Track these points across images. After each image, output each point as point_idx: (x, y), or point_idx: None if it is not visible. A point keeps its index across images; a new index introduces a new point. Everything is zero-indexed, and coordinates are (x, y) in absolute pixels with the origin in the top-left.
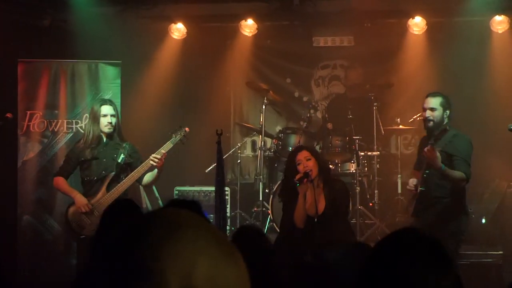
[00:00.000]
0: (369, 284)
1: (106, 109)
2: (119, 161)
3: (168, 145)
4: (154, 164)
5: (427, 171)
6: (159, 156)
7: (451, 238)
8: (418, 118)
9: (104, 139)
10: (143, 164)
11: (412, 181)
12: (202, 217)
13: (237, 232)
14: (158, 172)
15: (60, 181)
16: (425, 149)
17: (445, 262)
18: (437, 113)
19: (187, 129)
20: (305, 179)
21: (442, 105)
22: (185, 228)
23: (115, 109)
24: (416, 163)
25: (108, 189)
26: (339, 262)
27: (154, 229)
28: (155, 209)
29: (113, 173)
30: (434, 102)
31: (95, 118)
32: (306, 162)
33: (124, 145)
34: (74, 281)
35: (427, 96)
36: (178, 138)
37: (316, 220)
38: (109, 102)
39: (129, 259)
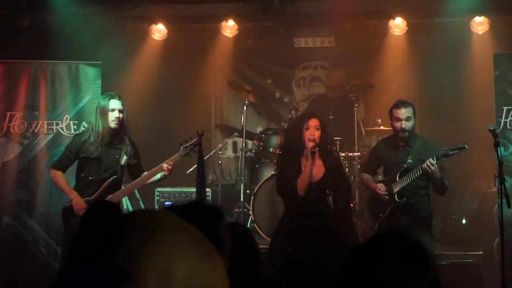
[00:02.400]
0: (348, 286)
1: (114, 103)
2: (122, 163)
3: (175, 157)
4: (164, 171)
5: (407, 182)
6: (169, 166)
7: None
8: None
9: (109, 137)
10: (155, 168)
11: (382, 187)
12: (179, 217)
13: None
14: (162, 177)
15: (58, 175)
16: (428, 166)
17: (423, 264)
18: (412, 123)
19: (195, 140)
20: (317, 148)
21: (413, 114)
22: (162, 229)
23: (123, 104)
24: (371, 167)
25: (109, 191)
26: (333, 263)
27: (132, 231)
28: (133, 211)
29: (115, 176)
30: (408, 112)
31: (103, 112)
32: (314, 130)
33: (127, 143)
34: (53, 282)
35: (399, 106)
36: (187, 152)
37: (314, 185)
38: (118, 96)
39: (108, 262)
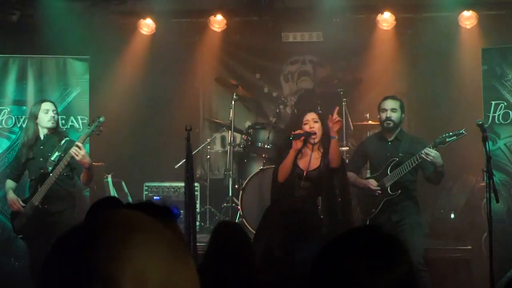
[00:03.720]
0: (315, 279)
1: (47, 105)
2: (52, 159)
3: (82, 137)
4: (76, 157)
5: (401, 175)
6: (76, 148)
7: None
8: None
9: (42, 138)
10: (65, 156)
11: (374, 182)
12: (154, 219)
13: (217, 229)
14: (85, 168)
15: (6, 184)
16: (427, 154)
17: (392, 259)
18: (397, 115)
19: (101, 118)
20: (302, 137)
21: (400, 107)
22: (137, 231)
23: (55, 106)
24: (356, 165)
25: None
26: (308, 261)
27: (108, 233)
28: (108, 211)
29: (46, 171)
30: (394, 104)
31: (33, 116)
32: (313, 123)
33: (62, 143)
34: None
35: (386, 99)
36: (92, 128)
37: (305, 174)
38: (49, 100)
39: (81, 265)
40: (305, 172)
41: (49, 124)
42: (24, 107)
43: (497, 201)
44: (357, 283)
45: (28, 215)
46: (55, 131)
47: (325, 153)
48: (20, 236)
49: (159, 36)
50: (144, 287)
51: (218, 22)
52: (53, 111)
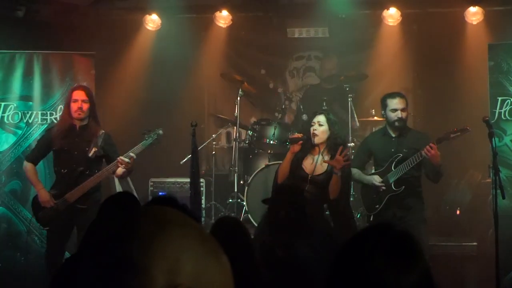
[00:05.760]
0: (335, 281)
1: (76, 94)
2: (90, 155)
3: (138, 148)
4: (121, 167)
5: (405, 170)
6: (126, 160)
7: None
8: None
9: (77, 128)
10: (110, 165)
11: (378, 178)
12: (187, 215)
13: (216, 224)
14: (127, 172)
15: (28, 168)
16: (428, 150)
17: (410, 258)
18: (406, 113)
19: (160, 131)
20: (300, 141)
21: (407, 104)
22: (171, 225)
23: (88, 94)
24: (360, 162)
25: (77, 183)
26: (310, 259)
27: (142, 226)
28: (144, 207)
29: (82, 168)
30: (404, 102)
31: (66, 104)
32: (317, 126)
33: (98, 137)
34: (58, 270)
35: (394, 97)
36: (150, 141)
37: (309, 178)
38: (82, 87)
39: (117, 255)
40: (309, 176)
41: (75, 115)
42: (30, 103)
43: (503, 197)
44: (380, 282)
45: (59, 211)
46: (87, 124)
47: (333, 157)
48: (47, 228)
49: (164, 32)
50: (176, 279)
51: (223, 17)
52: (82, 101)
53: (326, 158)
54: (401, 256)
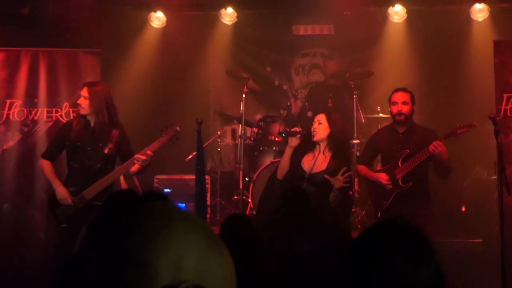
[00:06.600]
0: (349, 278)
1: (82, 91)
2: (106, 152)
3: (155, 145)
4: (137, 164)
5: (412, 167)
6: (143, 157)
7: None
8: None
9: (92, 124)
10: (127, 162)
11: (385, 176)
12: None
13: (227, 222)
14: (142, 168)
15: (45, 165)
16: (434, 146)
17: (426, 252)
18: (409, 107)
19: (177, 128)
20: (299, 135)
21: (411, 99)
22: (175, 221)
23: (90, 91)
24: (367, 158)
25: (94, 180)
26: (315, 256)
27: (146, 222)
28: (146, 202)
29: (99, 165)
30: (406, 96)
31: (78, 99)
32: (316, 125)
33: (113, 133)
34: (60, 267)
35: (397, 91)
36: (167, 138)
37: (307, 175)
38: (86, 84)
39: (121, 251)
40: (307, 173)
41: (78, 111)
42: (36, 100)
43: (509, 194)
44: (399, 277)
45: (77, 208)
46: (100, 119)
47: (333, 157)
48: (64, 225)
49: (170, 29)
50: (179, 275)
51: (228, 15)
52: (84, 97)
53: (328, 155)
54: (418, 250)
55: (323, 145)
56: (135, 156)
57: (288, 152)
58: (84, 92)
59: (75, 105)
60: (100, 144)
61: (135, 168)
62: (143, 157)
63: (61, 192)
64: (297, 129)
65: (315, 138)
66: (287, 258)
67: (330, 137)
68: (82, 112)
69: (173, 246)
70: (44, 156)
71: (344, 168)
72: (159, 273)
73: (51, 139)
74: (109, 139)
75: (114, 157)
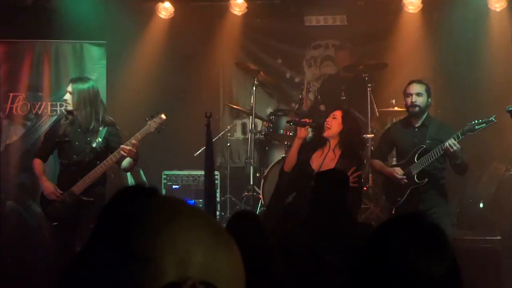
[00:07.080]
0: (364, 272)
1: (69, 87)
2: (94, 146)
3: (140, 134)
4: (124, 154)
5: (427, 163)
6: (128, 148)
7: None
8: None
9: (79, 119)
10: (114, 153)
11: (400, 170)
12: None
13: (234, 218)
14: (133, 160)
15: (35, 163)
16: (449, 145)
17: (442, 249)
18: (423, 99)
19: (163, 116)
20: (307, 126)
21: (426, 91)
22: (181, 216)
23: (75, 87)
24: (382, 153)
25: (82, 175)
26: (335, 264)
27: (152, 218)
28: (152, 197)
29: (87, 160)
30: (420, 88)
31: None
32: (330, 119)
33: (101, 129)
34: (68, 265)
35: (411, 83)
36: (153, 127)
37: (314, 174)
38: (74, 79)
39: (127, 247)
40: (315, 171)
41: (67, 107)
42: (40, 93)
43: None
44: (413, 273)
45: (67, 204)
46: (88, 114)
47: (343, 156)
48: (55, 223)
49: (177, 20)
50: (186, 271)
51: (238, 5)
52: (69, 92)
53: (337, 154)
54: (433, 247)
55: (333, 143)
56: (120, 147)
57: (296, 143)
58: (69, 87)
59: None
60: (88, 139)
61: (125, 163)
62: (127, 148)
63: (47, 186)
64: (306, 120)
65: (326, 133)
66: (308, 263)
67: (341, 134)
68: (68, 108)
69: (179, 241)
70: (36, 155)
71: (353, 168)
72: (165, 268)
73: (43, 137)
74: (97, 134)
75: (104, 152)
